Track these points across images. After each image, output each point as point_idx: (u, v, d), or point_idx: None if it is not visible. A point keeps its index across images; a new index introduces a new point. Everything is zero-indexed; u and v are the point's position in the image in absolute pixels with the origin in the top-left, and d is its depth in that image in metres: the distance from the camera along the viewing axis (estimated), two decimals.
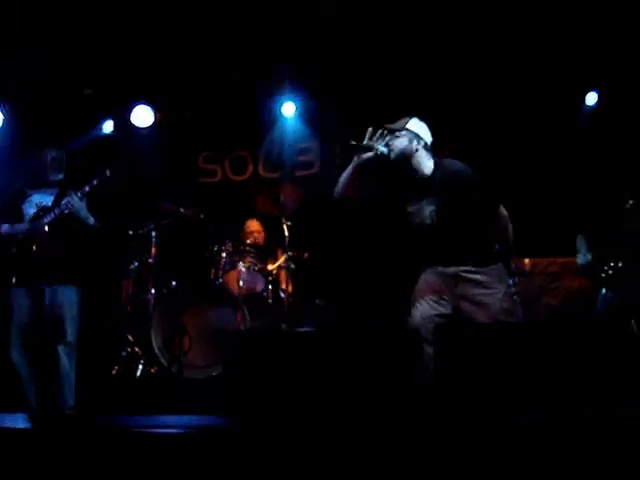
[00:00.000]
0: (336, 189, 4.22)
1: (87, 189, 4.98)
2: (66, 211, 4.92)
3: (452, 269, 4.12)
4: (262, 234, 6.77)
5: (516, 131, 6.74)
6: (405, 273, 4.40)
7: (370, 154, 4.13)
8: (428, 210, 4.13)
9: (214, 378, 5.61)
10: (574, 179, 6.62)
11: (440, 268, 4.16)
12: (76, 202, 4.92)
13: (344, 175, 4.20)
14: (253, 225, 6.79)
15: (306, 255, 6.54)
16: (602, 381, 3.27)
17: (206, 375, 5.68)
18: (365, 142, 4.15)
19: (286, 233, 6.33)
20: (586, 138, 6.65)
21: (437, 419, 3.39)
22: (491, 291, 4.09)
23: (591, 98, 6.84)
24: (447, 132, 4.76)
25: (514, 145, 6.72)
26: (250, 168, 7.87)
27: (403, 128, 4.18)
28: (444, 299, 4.11)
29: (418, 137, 4.17)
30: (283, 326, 6.05)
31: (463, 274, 4.10)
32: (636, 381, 3.22)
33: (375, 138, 4.16)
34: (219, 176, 7.93)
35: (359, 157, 4.16)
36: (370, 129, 4.17)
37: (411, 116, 4.25)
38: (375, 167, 4.17)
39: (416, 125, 4.21)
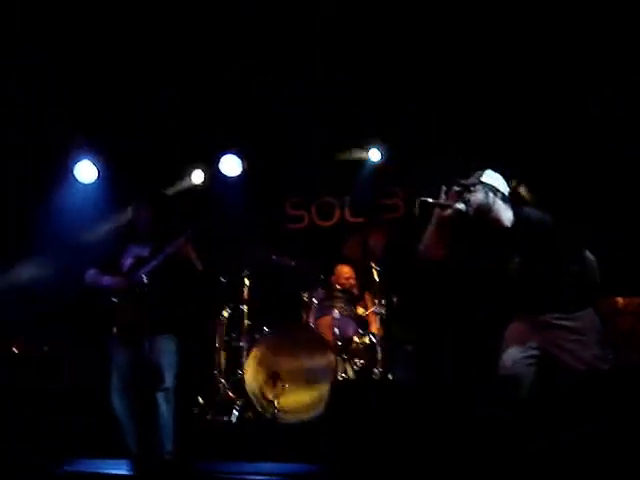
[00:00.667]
0: (420, 246, 4.22)
1: (185, 238, 5.11)
2: (162, 263, 5.08)
3: (542, 317, 4.08)
4: (353, 279, 6.80)
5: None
6: (495, 322, 4.38)
7: (449, 211, 4.13)
8: (513, 261, 4.11)
9: (308, 424, 5.64)
10: None
11: (531, 316, 4.13)
12: (184, 247, 5.08)
13: (427, 234, 4.20)
14: (344, 270, 6.83)
15: (396, 300, 6.53)
16: None
17: (300, 420, 5.71)
18: (442, 200, 4.15)
19: (375, 277, 6.35)
20: None
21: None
22: (583, 337, 4.02)
23: None
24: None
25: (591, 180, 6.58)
26: (337, 213, 7.93)
27: (478, 182, 4.13)
28: (534, 345, 4.06)
29: (494, 189, 4.11)
30: (375, 371, 6.05)
31: (554, 321, 4.04)
32: None
33: (451, 196, 4.18)
34: (306, 222, 8.01)
35: (439, 214, 4.16)
36: (444, 187, 4.17)
37: (484, 169, 4.21)
38: (456, 223, 4.17)
39: (491, 177, 4.16)
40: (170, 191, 7.34)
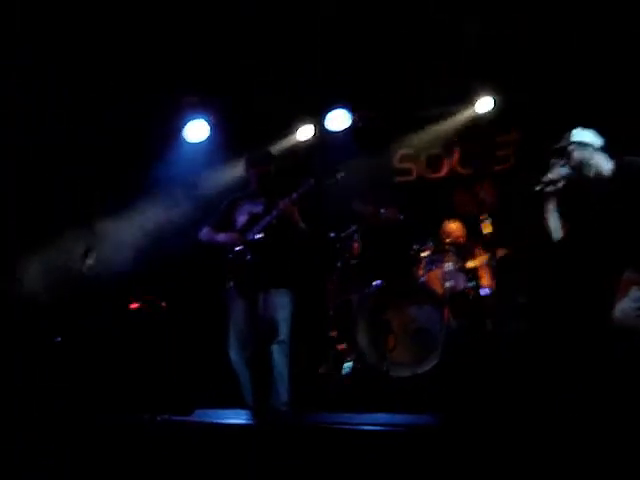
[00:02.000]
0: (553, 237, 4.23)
1: (296, 196, 5.19)
2: (276, 218, 5.17)
3: None
4: (462, 233, 6.74)
5: None
6: (606, 273, 4.32)
7: (559, 185, 4.14)
8: (617, 210, 4.06)
9: (420, 376, 5.68)
10: None
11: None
12: (288, 207, 5.15)
13: (550, 225, 4.23)
14: (452, 226, 6.77)
15: (506, 252, 6.45)
16: None
17: (411, 373, 5.75)
18: (551, 176, 4.17)
19: (486, 230, 6.28)
20: None
21: None
22: None
23: None
24: None
25: None
26: (446, 165, 7.85)
27: (570, 143, 4.19)
28: None
29: (588, 144, 4.18)
30: (486, 324, 6.02)
31: None
32: None
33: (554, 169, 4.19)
34: (415, 175, 7.97)
35: (549, 201, 4.21)
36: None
37: (571, 129, 4.26)
38: (567, 193, 4.18)
39: (581, 134, 4.23)
40: (280, 147, 7.43)
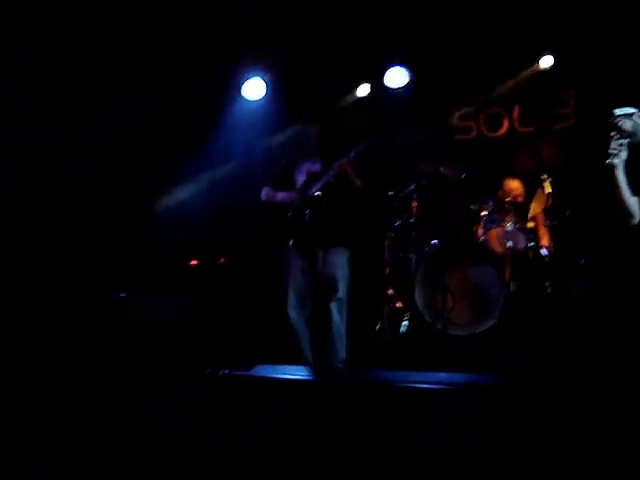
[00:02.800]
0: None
1: (353, 155, 5.19)
2: (334, 177, 5.19)
3: None
4: (522, 192, 6.66)
5: None
6: None
7: (623, 156, 4.07)
8: None
9: (477, 336, 5.68)
10: None
11: None
12: (346, 166, 5.17)
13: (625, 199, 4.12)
14: (513, 183, 6.69)
15: (567, 213, 6.37)
16: None
17: (470, 332, 5.75)
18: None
19: (547, 190, 6.20)
20: None
21: None
22: None
23: None
24: None
25: None
26: (506, 124, 7.74)
27: (615, 117, 4.09)
28: None
29: (631, 114, 4.01)
30: (546, 285, 5.97)
31: None
32: None
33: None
34: (474, 133, 7.87)
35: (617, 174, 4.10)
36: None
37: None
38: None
39: (622, 109, 4.09)
40: (338, 105, 7.40)
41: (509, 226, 6.19)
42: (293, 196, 5.30)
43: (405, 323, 6.13)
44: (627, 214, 3.98)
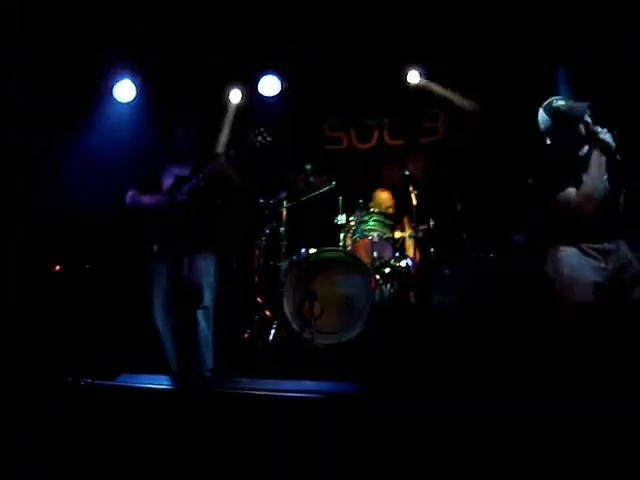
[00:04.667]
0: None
1: (232, 155, 5.15)
2: (201, 182, 5.12)
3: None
4: (391, 203, 6.79)
5: None
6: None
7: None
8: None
9: (344, 344, 5.72)
10: None
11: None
12: (221, 164, 5.12)
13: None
14: (383, 196, 6.82)
15: (433, 223, 6.53)
16: None
17: (336, 341, 5.79)
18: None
19: (414, 201, 6.34)
20: None
21: None
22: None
23: None
24: None
25: None
26: (376, 135, 7.88)
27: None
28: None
29: None
30: (411, 295, 6.10)
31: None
32: None
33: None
34: (345, 144, 7.98)
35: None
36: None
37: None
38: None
39: None
40: (210, 109, 7.34)
41: (376, 236, 6.27)
42: (159, 199, 5.18)
43: (273, 331, 6.11)
44: None
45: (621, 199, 4.18)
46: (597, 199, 4.09)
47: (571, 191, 4.09)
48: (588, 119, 4.17)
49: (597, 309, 3.97)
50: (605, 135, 4.13)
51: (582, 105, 4.21)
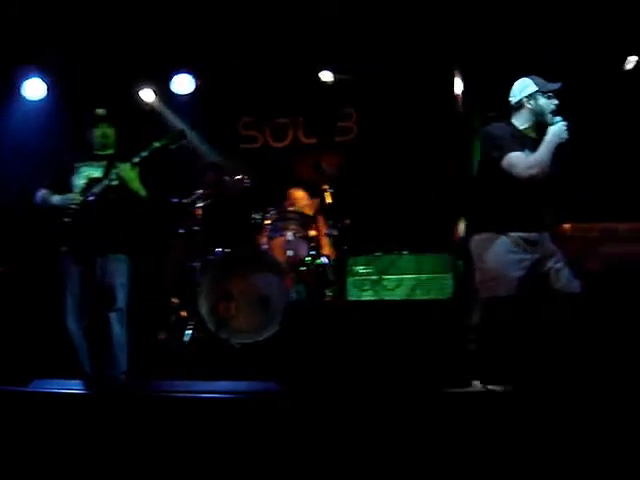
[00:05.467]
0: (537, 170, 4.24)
1: (136, 160, 5.08)
2: (115, 182, 5.05)
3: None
4: (306, 201, 6.81)
5: None
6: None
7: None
8: None
9: (260, 344, 5.73)
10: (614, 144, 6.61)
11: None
12: (127, 172, 5.04)
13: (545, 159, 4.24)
14: (298, 194, 6.83)
15: (347, 221, 6.59)
16: None
17: (252, 340, 5.79)
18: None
19: (328, 200, 6.39)
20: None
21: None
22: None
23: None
24: None
25: None
26: (290, 134, 7.91)
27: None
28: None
29: None
30: (326, 293, 6.14)
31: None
32: None
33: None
34: (260, 142, 7.99)
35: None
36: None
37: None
38: None
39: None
40: (123, 108, 7.22)
41: (290, 235, 6.29)
42: (70, 200, 5.08)
43: (189, 332, 6.06)
44: None
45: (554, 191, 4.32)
46: (539, 185, 4.21)
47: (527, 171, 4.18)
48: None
49: (519, 301, 4.07)
50: (560, 125, 4.23)
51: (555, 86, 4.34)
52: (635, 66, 6.73)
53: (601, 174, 6.51)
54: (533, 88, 4.34)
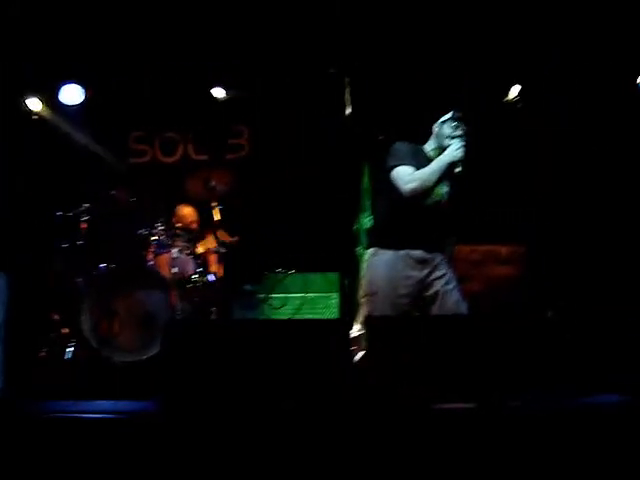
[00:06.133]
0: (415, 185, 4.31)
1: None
2: None
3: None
4: (194, 218, 6.77)
5: None
6: None
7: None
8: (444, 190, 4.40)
9: (144, 362, 5.65)
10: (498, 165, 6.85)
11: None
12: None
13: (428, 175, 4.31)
14: (186, 211, 6.78)
15: (236, 239, 6.60)
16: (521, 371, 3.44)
17: (136, 359, 5.70)
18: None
19: (216, 217, 6.38)
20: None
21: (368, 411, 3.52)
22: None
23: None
24: None
25: None
26: (180, 150, 7.86)
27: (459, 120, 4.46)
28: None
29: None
30: (213, 310, 6.12)
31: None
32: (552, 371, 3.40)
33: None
34: (149, 157, 7.90)
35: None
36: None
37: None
38: None
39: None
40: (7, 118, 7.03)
41: (175, 252, 6.24)
42: None
43: (70, 349, 5.92)
44: None
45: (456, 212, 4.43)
46: (430, 203, 4.31)
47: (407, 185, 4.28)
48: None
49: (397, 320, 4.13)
50: (455, 145, 4.33)
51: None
52: (518, 96, 6.99)
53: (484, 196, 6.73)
54: (445, 117, 4.48)
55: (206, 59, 7.04)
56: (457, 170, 4.28)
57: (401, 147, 4.42)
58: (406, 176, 4.27)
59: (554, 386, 3.32)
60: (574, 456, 2.97)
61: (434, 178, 4.27)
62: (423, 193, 4.27)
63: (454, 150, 4.30)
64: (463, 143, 4.31)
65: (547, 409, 3.16)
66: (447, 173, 4.31)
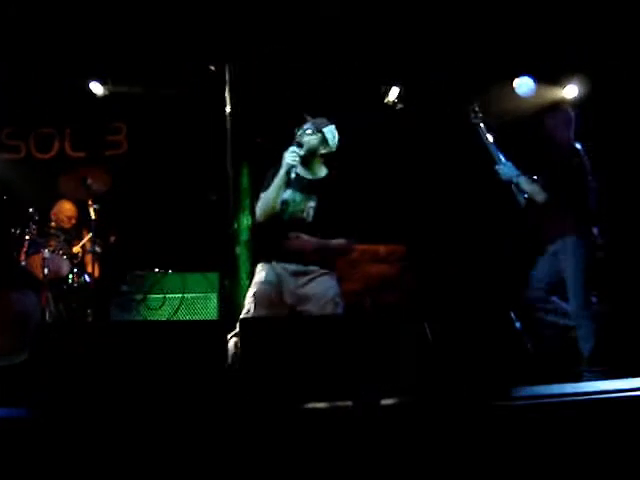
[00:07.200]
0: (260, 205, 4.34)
1: None
2: None
3: None
4: (74, 214, 6.59)
5: None
6: None
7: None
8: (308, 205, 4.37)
9: (14, 367, 5.47)
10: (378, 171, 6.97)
11: None
12: None
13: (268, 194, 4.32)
14: (66, 207, 6.59)
15: (113, 238, 6.47)
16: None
17: (8, 363, 5.52)
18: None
19: (92, 215, 6.23)
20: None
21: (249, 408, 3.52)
22: None
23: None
24: None
25: None
26: (56, 146, 7.64)
27: (318, 130, 4.39)
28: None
29: (326, 143, 4.40)
30: (89, 312, 5.98)
31: None
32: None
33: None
34: (23, 153, 7.64)
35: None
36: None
37: (331, 122, 4.45)
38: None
39: (330, 133, 4.42)
40: None
41: (46, 252, 6.07)
42: None
43: None
44: None
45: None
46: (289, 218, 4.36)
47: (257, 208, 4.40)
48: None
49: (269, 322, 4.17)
50: (289, 152, 4.32)
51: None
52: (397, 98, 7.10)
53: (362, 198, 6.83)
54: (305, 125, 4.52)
55: (84, 53, 6.86)
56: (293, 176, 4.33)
57: (269, 172, 4.46)
58: (259, 201, 4.40)
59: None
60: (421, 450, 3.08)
61: (274, 194, 4.31)
62: (271, 210, 4.34)
63: (287, 157, 4.30)
64: (295, 149, 4.31)
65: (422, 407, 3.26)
66: (297, 184, 4.37)
